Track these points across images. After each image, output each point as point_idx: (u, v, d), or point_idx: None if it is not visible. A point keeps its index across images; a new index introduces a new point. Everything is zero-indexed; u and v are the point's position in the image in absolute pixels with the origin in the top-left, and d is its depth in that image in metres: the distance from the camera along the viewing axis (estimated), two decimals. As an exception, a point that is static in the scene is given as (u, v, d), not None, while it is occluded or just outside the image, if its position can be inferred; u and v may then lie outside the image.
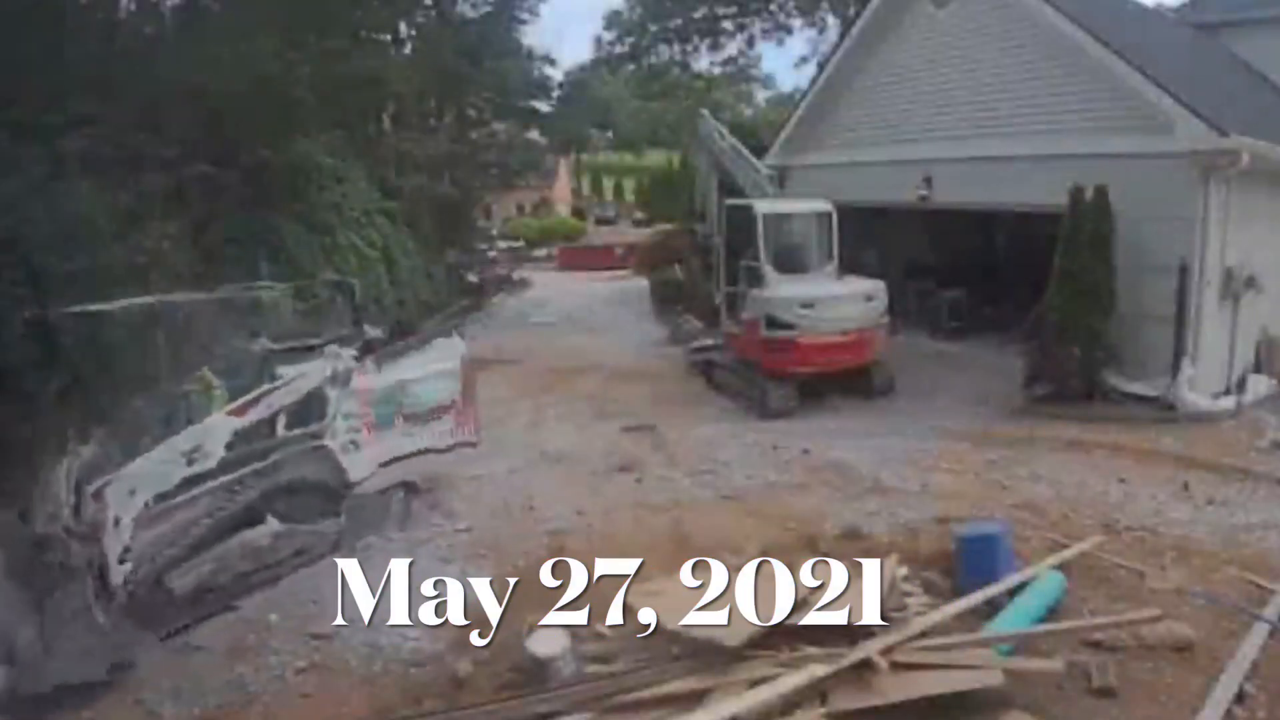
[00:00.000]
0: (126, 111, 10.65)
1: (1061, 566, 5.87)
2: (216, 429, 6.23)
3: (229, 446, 6.22)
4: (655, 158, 56.51)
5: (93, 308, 7.72)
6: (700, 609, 4.99)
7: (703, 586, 5.39)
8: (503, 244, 35.97)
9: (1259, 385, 10.99)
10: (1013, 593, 5.45)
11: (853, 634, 4.80)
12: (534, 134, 33.06)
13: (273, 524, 6.44)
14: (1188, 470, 8.37)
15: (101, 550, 5.51)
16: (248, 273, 12.78)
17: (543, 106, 33.83)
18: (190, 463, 6.01)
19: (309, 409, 7.01)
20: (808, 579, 5.40)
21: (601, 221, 56.91)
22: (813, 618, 4.93)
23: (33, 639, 5.17)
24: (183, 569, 5.98)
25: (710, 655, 4.69)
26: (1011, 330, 13.44)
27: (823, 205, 12.35)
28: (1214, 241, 10.27)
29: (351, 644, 5.76)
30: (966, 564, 5.82)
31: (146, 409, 7.03)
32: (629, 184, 66.63)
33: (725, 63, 37.89)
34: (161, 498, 5.92)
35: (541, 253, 39.48)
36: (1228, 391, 10.77)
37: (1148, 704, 4.56)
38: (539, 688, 4.79)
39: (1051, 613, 5.37)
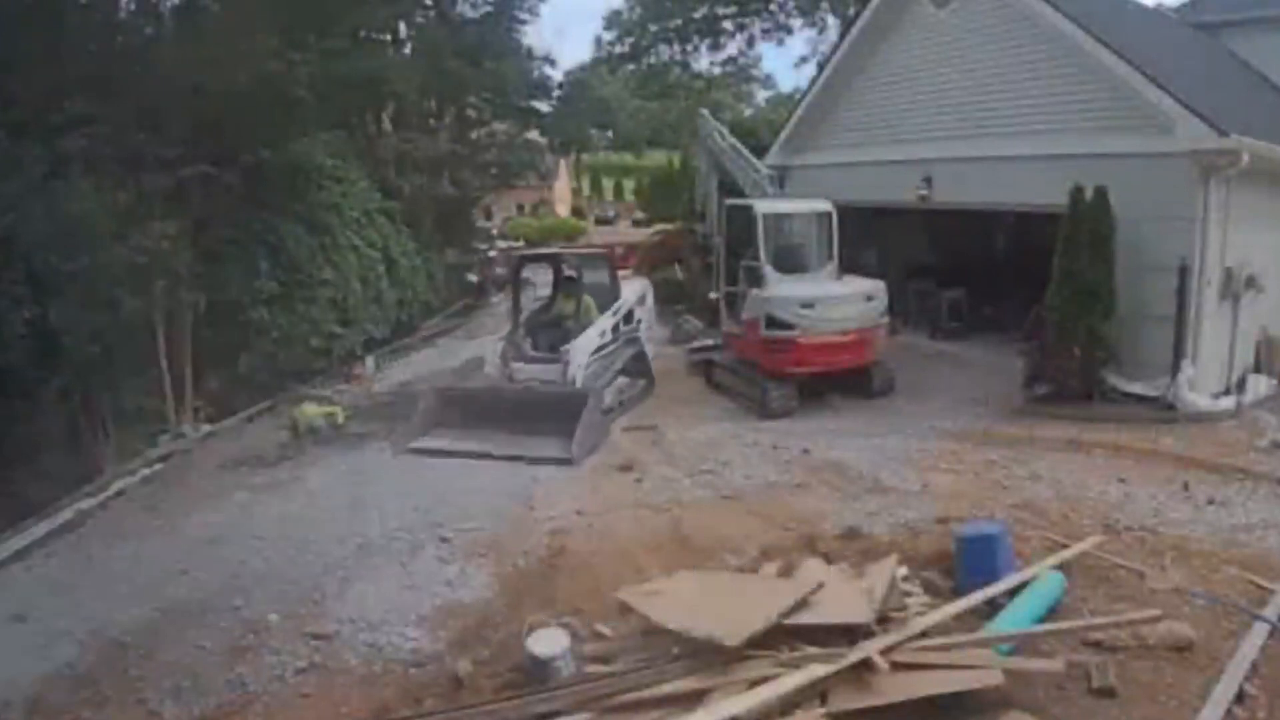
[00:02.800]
0: (126, 111, 10.64)
1: (1061, 566, 5.87)
2: (606, 323, 11.72)
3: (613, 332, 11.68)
4: (655, 158, 56.52)
5: None
6: (700, 609, 4.99)
7: (703, 586, 5.40)
8: (503, 244, 35.97)
9: (1259, 385, 10.98)
10: (1013, 593, 5.45)
11: (853, 634, 4.80)
12: (534, 134, 32.98)
13: (623, 379, 11.73)
14: (1188, 470, 8.37)
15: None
16: (248, 273, 12.81)
17: (543, 106, 33.73)
18: (601, 337, 11.49)
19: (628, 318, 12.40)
20: (808, 579, 5.42)
21: (601, 221, 56.94)
22: (812, 617, 4.93)
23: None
24: (607, 393, 10.89)
25: (710, 655, 4.69)
26: (1011, 330, 13.45)
27: (823, 205, 12.34)
28: (1214, 241, 10.26)
29: (351, 644, 5.76)
30: (966, 564, 5.82)
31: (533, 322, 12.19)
32: (629, 184, 66.67)
33: (725, 63, 37.85)
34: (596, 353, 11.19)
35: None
36: (1228, 391, 10.77)
37: (1148, 704, 4.56)
38: (539, 688, 4.79)
39: (1051, 613, 5.37)
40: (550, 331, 11.72)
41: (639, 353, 12.24)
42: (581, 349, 10.91)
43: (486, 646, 5.54)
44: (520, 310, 12.46)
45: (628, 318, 12.49)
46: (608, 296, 12.25)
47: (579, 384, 10.52)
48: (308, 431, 10.79)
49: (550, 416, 9.74)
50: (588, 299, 12.00)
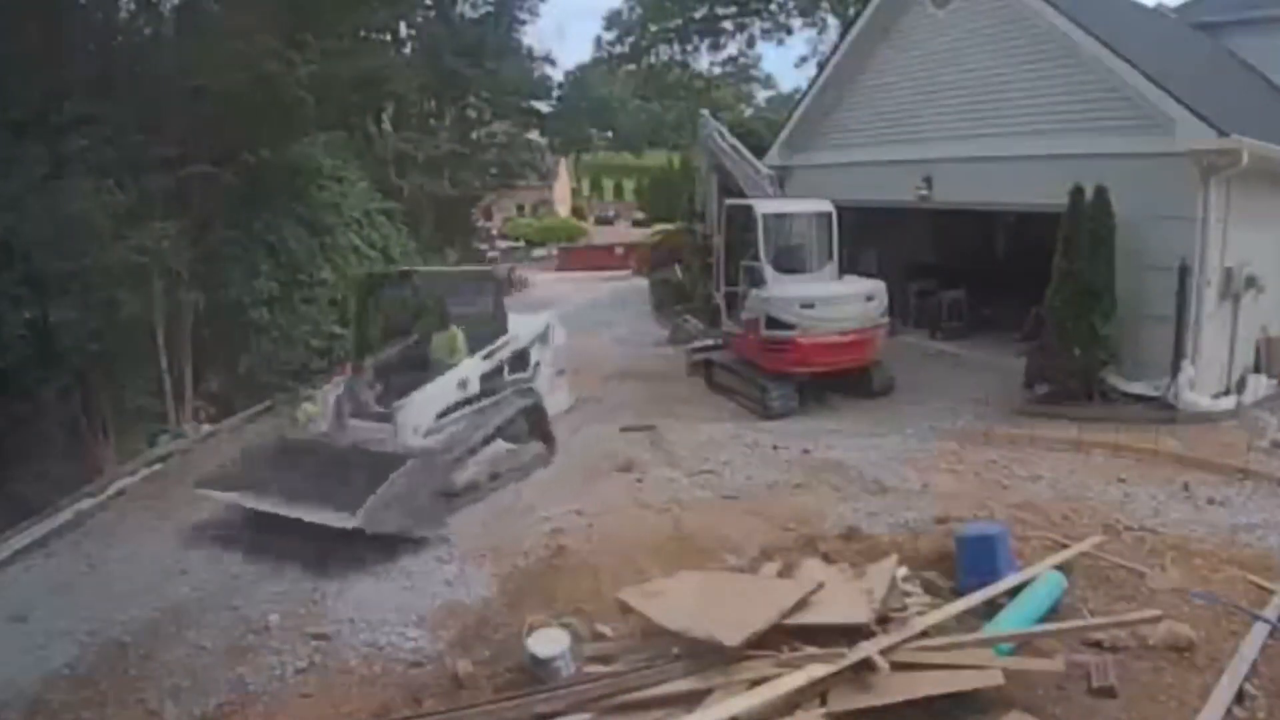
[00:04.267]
0: (126, 111, 10.65)
1: (1061, 566, 5.86)
2: (475, 368, 8.95)
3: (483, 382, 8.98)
4: (655, 158, 56.55)
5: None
6: (700, 609, 4.99)
7: (703, 586, 5.40)
8: (503, 244, 36.02)
9: (1259, 385, 10.98)
10: (1013, 593, 5.45)
11: (853, 634, 4.79)
12: (534, 134, 33.02)
13: (502, 445, 8.72)
14: (1188, 470, 8.37)
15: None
16: (248, 273, 12.82)
17: (543, 106, 33.82)
18: (462, 388, 8.81)
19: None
20: (807, 579, 5.42)
21: (601, 221, 57.00)
22: (812, 617, 4.93)
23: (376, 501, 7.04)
24: (460, 468, 8.15)
25: (710, 655, 4.69)
26: (1011, 330, 13.45)
27: (823, 205, 12.34)
28: (1214, 241, 10.26)
29: (351, 644, 5.76)
30: (966, 564, 5.82)
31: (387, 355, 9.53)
32: (629, 184, 66.71)
33: (725, 63, 37.97)
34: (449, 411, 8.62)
35: (541, 253, 39.52)
36: (1228, 391, 10.77)
37: (1148, 704, 4.56)
38: (539, 688, 4.79)
39: (1051, 613, 5.37)
40: (411, 377, 9.06)
41: (531, 408, 9.30)
42: (419, 405, 8.51)
43: (486, 646, 5.54)
44: (369, 348, 9.61)
45: (519, 362, 9.84)
46: (490, 330, 9.71)
47: (419, 448, 8.16)
48: (306, 430, 10.78)
49: (368, 479, 7.34)
50: (457, 335, 9.26)
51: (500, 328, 9.78)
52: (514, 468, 8.72)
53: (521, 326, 10.12)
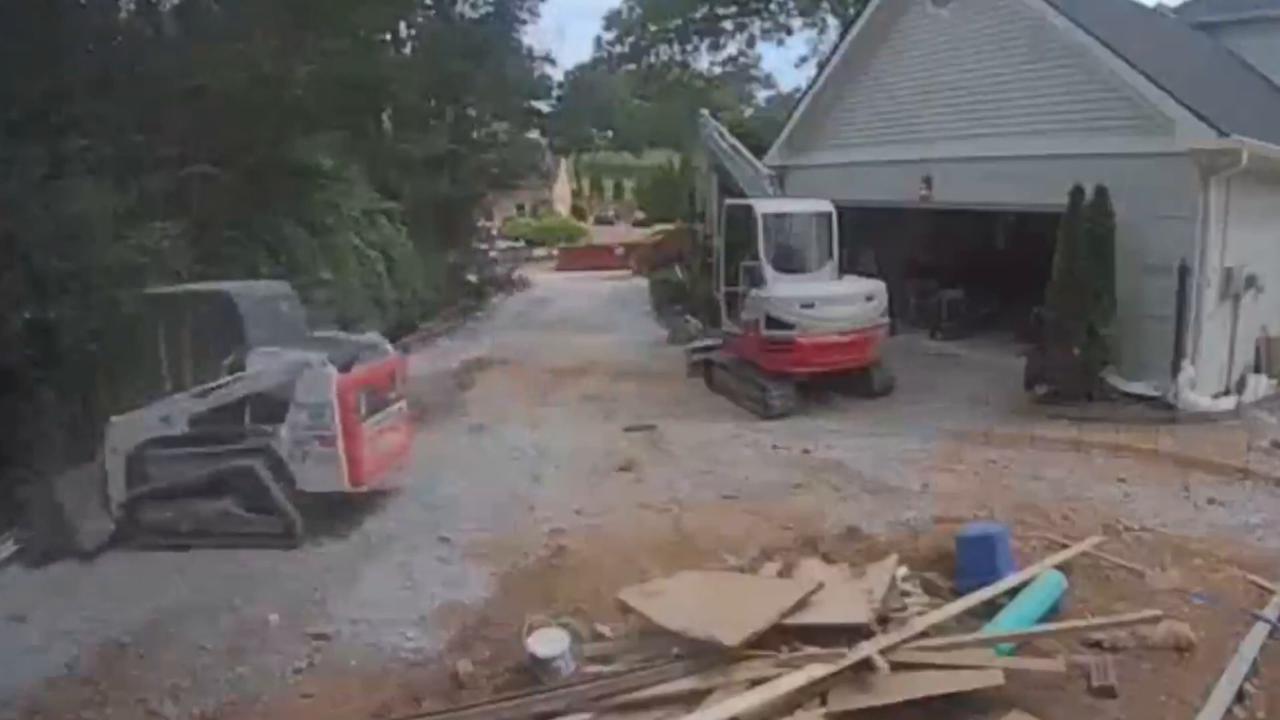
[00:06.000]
0: (126, 111, 10.63)
1: (1061, 566, 5.86)
2: (180, 405, 7.69)
3: (192, 423, 7.62)
4: (655, 158, 56.51)
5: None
6: (700, 609, 4.99)
7: (703, 586, 5.40)
8: (503, 244, 36.02)
9: (1259, 385, 11.00)
10: (1013, 593, 5.45)
11: (853, 634, 4.79)
12: (534, 134, 33.05)
13: (220, 503, 7.55)
14: (1188, 470, 8.38)
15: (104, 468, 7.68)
16: (248, 273, 12.80)
17: (543, 106, 33.86)
18: (163, 424, 7.66)
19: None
20: (807, 579, 5.42)
21: (601, 221, 57.02)
22: (812, 617, 4.93)
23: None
24: (154, 507, 7.60)
25: (710, 655, 4.69)
26: (1011, 330, 13.45)
27: (823, 205, 12.35)
28: (1214, 241, 10.27)
29: (351, 644, 5.76)
30: (966, 564, 5.82)
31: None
32: (629, 184, 66.70)
33: (725, 63, 37.98)
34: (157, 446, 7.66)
35: (541, 253, 39.54)
36: (1228, 391, 10.78)
37: (1148, 704, 4.56)
38: (539, 688, 4.79)
39: (1051, 613, 5.37)
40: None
41: (241, 470, 7.54)
42: (120, 429, 7.75)
43: (486, 646, 5.53)
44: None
45: (270, 410, 7.70)
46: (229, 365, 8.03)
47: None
48: None
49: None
50: None
51: (237, 363, 7.91)
52: (234, 532, 7.44)
53: (273, 367, 7.73)
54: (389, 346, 9.04)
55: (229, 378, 7.76)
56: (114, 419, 7.83)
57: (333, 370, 7.56)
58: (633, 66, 38.43)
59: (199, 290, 9.00)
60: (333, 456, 7.54)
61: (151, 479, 7.67)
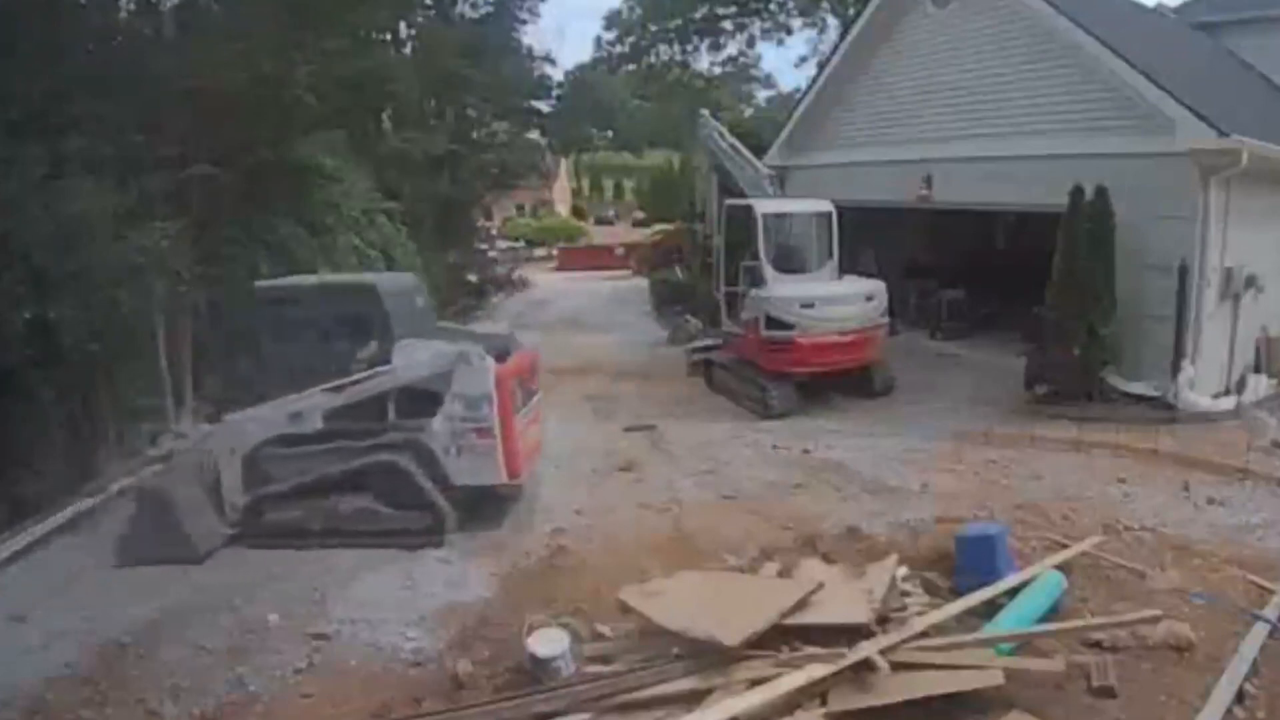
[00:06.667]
0: (126, 111, 10.63)
1: (1061, 566, 5.86)
2: (315, 400, 7.46)
3: (327, 419, 7.44)
4: (655, 158, 56.49)
5: None
6: (700, 609, 4.99)
7: (703, 586, 5.40)
8: (503, 244, 36.03)
9: (1259, 385, 10.99)
10: (1013, 593, 5.45)
11: (853, 634, 4.79)
12: (534, 134, 33.04)
13: (360, 499, 7.37)
14: (1188, 470, 8.38)
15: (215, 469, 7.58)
16: (248, 273, 12.79)
17: (543, 106, 33.83)
18: (292, 422, 7.45)
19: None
20: (807, 579, 5.41)
21: (601, 221, 57.00)
22: (812, 617, 4.93)
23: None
24: (280, 506, 7.41)
25: (710, 655, 4.69)
26: (1011, 330, 13.46)
27: (823, 205, 12.35)
28: (1214, 241, 10.28)
29: (351, 644, 5.76)
30: (966, 564, 5.82)
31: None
32: (629, 184, 66.65)
33: (725, 63, 37.96)
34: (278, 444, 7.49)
35: (541, 253, 39.56)
36: (1228, 391, 10.78)
37: (1148, 704, 4.56)
38: (539, 688, 4.79)
39: (1051, 613, 5.37)
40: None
41: (386, 466, 7.45)
42: (233, 429, 7.73)
43: (486, 646, 5.53)
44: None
45: (416, 404, 7.65)
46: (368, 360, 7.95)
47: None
48: None
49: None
50: None
51: (381, 357, 7.73)
52: (372, 530, 7.29)
53: (421, 359, 7.57)
54: (520, 339, 8.96)
55: (372, 370, 7.56)
56: (228, 418, 7.71)
57: (492, 361, 7.45)
58: (633, 66, 38.41)
59: (345, 281, 9.16)
60: (490, 450, 7.41)
61: (273, 478, 7.47)
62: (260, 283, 8.94)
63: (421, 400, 7.52)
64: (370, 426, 7.53)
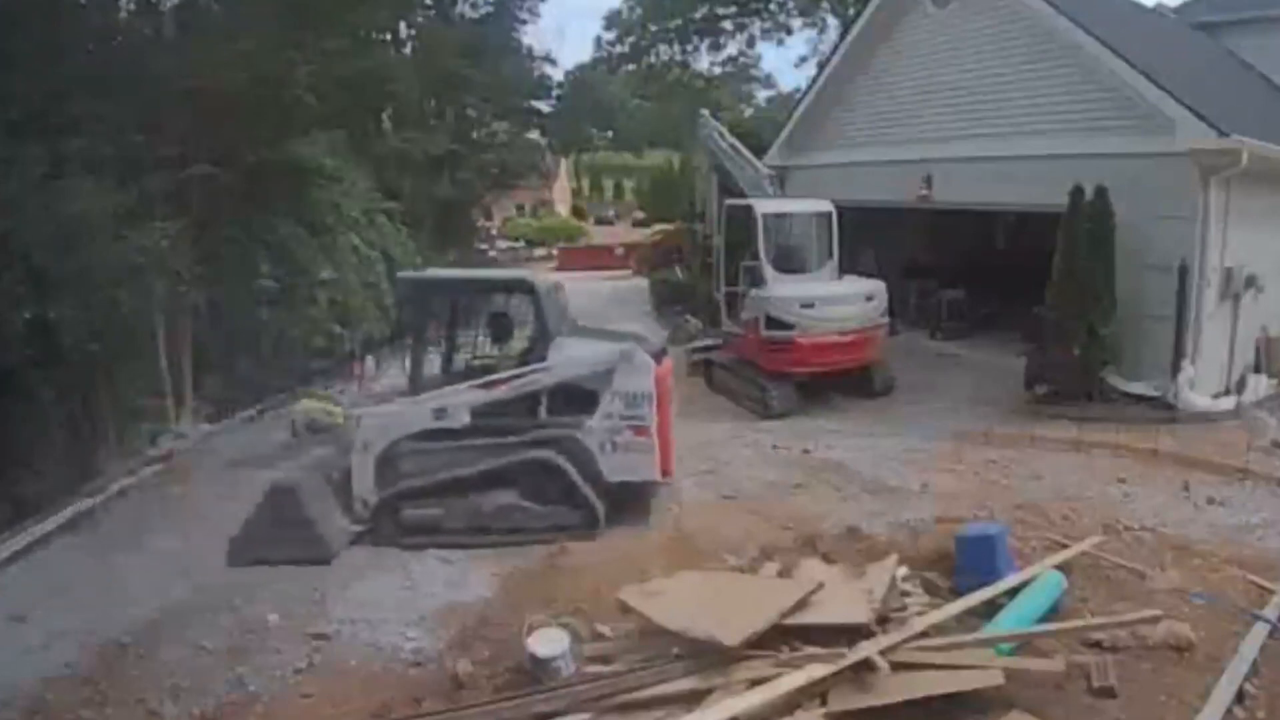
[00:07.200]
0: (126, 111, 10.63)
1: (1061, 566, 5.86)
2: (464, 397, 7.38)
3: (475, 414, 7.35)
4: (655, 158, 56.48)
5: None
6: (700, 609, 4.99)
7: (703, 586, 5.39)
8: (503, 244, 36.05)
9: (1259, 385, 10.99)
10: (1013, 593, 5.45)
11: (853, 634, 4.79)
12: (534, 134, 33.05)
13: (504, 496, 7.30)
14: (1188, 470, 8.38)
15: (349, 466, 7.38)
16: (248, 273, 12.80)
17: (543, 106, 33.83)
18: (437, 418, 7.33)
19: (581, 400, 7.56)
20: (807, 579, 5.41)
21: (601, 221, 56.99)
22: (812, 617, 4.93)
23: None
24: (417, 503, 7.25)
25: (710, 655, 4.69)
26: (1011, 330, 13.46)
27: (823, 205, 12.36)
28: (1214, 241, 10.28)
29: (351, 644, 5.76)
30: (966, 564, 5.82)
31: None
32: (629, 184, 66.63)
33: (725, 63, 37.95)
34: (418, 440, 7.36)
35: (541, 253, 39.54)
36: (1228, 391, 10.78)
37: (1148, 704, 4.56)
38: (539, 688, 4.79)
39: (1051, 613, 5.37)
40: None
41: (540, 462, 7.44)
42: (375, 423, 7.58)
43: (486, 646, 5.53)
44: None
45: (570, 401, 7.68)
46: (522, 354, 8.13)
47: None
48: (305, 428, 10.76)
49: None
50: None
51: (538, 351, 7.77)
52: (518, 527, 7.28)
53: (580, 357, 7.65)
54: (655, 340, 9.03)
55: (532, 367, 7.57)
56: (363, 414, 7.59)
57: (651, 360, 7.55)
58: (633, 66, 38.39)
59: (502, 276, 9.21)
60: (647, 446, 7.48)
61: (407, 475, 7.35)
62: (409, 273, 9.16)
63: (574, 397, 7.54)
64: (519, 423, 7.49)
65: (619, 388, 7.45)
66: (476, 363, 8.37)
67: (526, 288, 8.06)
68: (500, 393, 7.41)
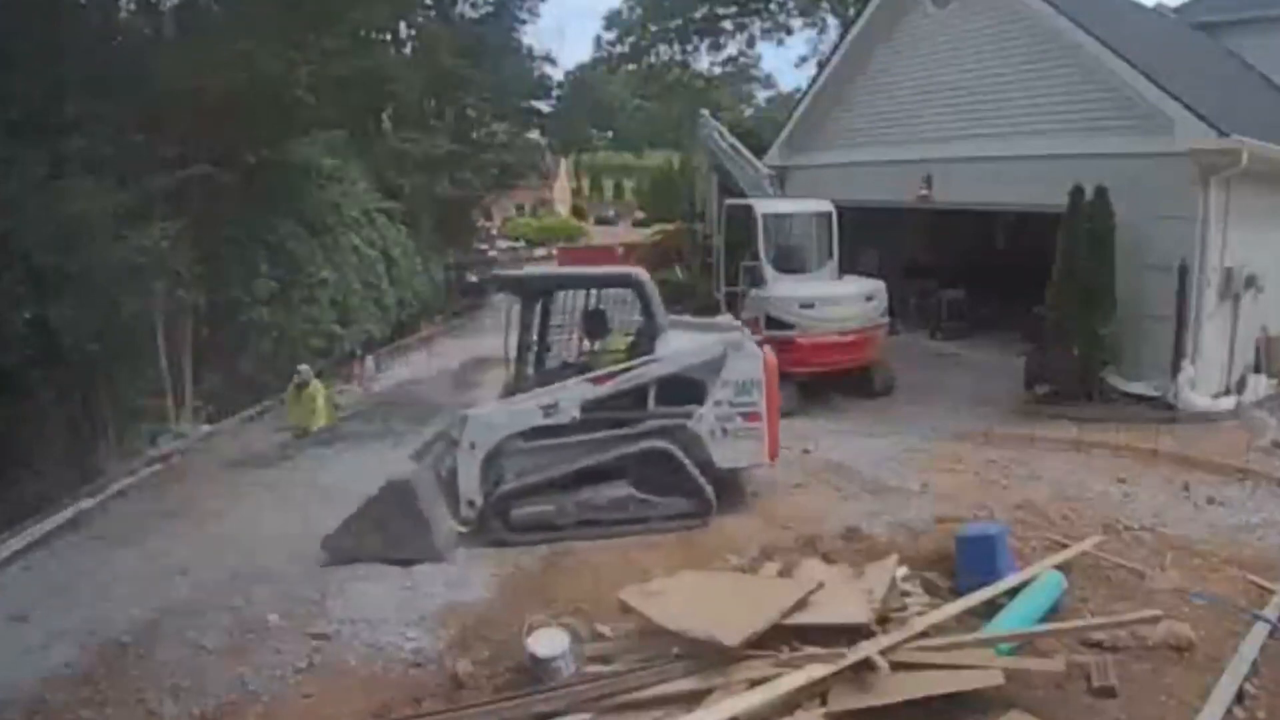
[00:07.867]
0: (126, 111, 10.64)
1: (1061, 566, 5.86)
2: (572, 392, 7.33)
3: (585, 409, 7.30)
4: (655, 158, 56.52)
5: None
6: (700, 609, 4.99)
7: (703, 586, 5.39)
8: (503, 244, 36.03)
9: (1259, 385, 10.99)
10: (1013, 593, 5.45)
11: (853, 634, 4.79)
12: (534, 134, 33.05)
13: (616, 488, 7.30)
14: (1188, 470, 8.38)
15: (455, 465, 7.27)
16: (248, 273, 12.82)
17: (543, 106, 33.83)
18: (546, 415, 7.26)
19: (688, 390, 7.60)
20: (807, 579, 5.41)
21: (601, 221, 57.00)
22: (812, 617, 4.93)
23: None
24: (526, 501, 7.20)
25: (710, 655, 4.69)
26: (1011, 330, 13.46)
27: (823, 205, 12.36)
28: (1214, 241, 10.28)
29: (351, 644, 5.75)
30: (966, 564, 5.82)
31: None
32: (629, 184, 66.66)
33: (725, 63, 37.95)
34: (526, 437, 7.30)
35: (541, 253, 39.53)
36: (1228, 391, 10.78)
37: (1148, 704, 4.56)
38: (539, 688, 4.79)
39: (1051, 613, 5.37)
40: None
41: (656, 452, 7.44)
42: (483, 421, 7.36)
43: (486, 646, 5.53)
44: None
45: (680, 393, 7.64)
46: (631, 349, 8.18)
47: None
48: (310, 410, 10.79)
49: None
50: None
51: (645, 345, 7.81)
52: (632, 518, 7.29)
53: (689, 348, 7.70)
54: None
55: (643, 359, 7.59)
56: (470, 413, 7.39)
57: (760, 349, 7.74)
58: (633, 66, 38.41)
59: (608, 272, 9.54)
60: (757, 433, 7.59)
61: (517, 474, 7.31)
62: (512, 272, 9.18)
63: (678, 388, 7.58)
64: (626, 416, 7.50)
65: (729, 376, 7.54)
66: (576, 360, 8.42)
67: (633, 282, 8.07)
68: (610, 386, 7.43)
